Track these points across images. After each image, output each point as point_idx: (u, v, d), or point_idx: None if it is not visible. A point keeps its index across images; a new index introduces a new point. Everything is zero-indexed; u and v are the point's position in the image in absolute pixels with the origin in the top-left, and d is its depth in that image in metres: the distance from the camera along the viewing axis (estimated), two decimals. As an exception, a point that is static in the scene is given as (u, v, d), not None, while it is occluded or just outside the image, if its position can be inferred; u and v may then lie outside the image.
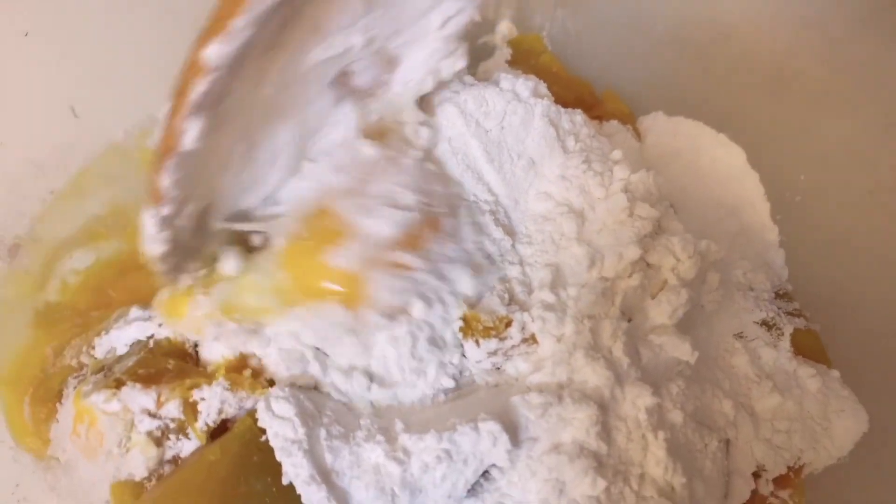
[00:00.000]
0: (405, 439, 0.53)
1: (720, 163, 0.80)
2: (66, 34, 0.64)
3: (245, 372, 0.56)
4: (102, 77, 0.69)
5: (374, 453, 0.52)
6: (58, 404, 0.61)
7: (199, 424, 0.54)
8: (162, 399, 0.54)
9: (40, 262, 0.66)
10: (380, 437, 0.53)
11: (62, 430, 0.60)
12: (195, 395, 0.54)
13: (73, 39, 0.64)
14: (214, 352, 0.57)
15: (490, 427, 0.52)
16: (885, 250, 0.71)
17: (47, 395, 0.62)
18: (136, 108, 0.70)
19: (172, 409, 0.54)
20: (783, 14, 0.82)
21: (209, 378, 0.55)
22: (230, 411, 0.55)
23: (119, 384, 0.55)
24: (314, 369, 0.56)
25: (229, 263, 0.57)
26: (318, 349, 0.57)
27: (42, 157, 0.66)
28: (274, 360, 0.56)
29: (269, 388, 0.54)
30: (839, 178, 0.77)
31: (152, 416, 0.54)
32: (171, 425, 0.54)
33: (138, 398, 0.54)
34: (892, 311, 0.69)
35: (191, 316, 0.57)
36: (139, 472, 0.55)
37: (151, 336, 0.59)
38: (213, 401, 0.54)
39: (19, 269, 0.65)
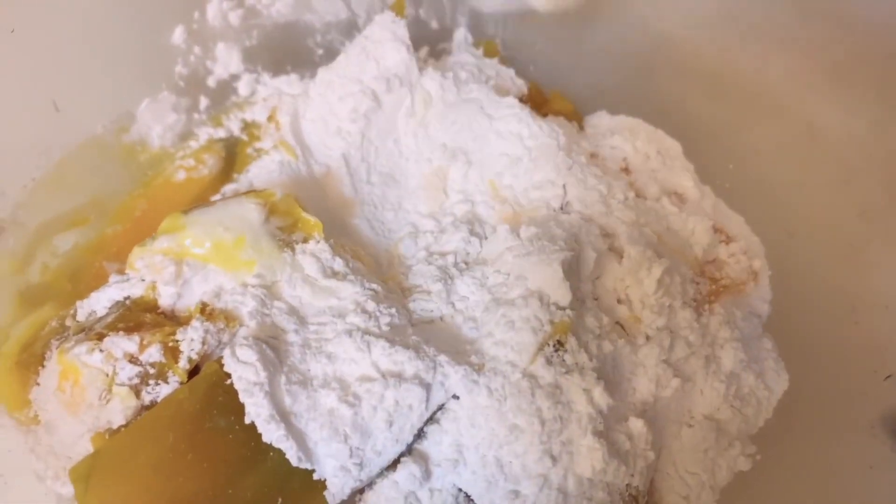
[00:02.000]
0: (356, 386, 0.57)
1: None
2: (50, 32, 0.68)
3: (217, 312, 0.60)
4: (82, 74, 0.73)
5: (328, 398, 0.56)
6: (39, 368, 0.64)
7: (182, 364, 0.58)
8: (144, 343, 0.57)
9: (23, 245, 0.69)
10: (334, 384, 0.57)
11: (44, 390, 0.62)
12: (178, 335, 0.58)
13: (56, 37, 0.69)
14: (187, 299, 0.62)
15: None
16: (800, 227, 0.78)
17: (30, 359, 0.64)
18: (114, 103, 0.76)
19: (154, 352, 0.57)
20: (721, 26, 0.89)
21: (186, 322, 0.60)
22: (212, 344, 0.58)
23: (100, 337, 0.58)
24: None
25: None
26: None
27: (25, 146, 0.69)
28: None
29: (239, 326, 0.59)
30: (764, 169, 0.84)
31: (133, 361, 0.57)
32: (151, 371, 0.57)
33: (121, 343, 0.57)
34: (804, 282, 0.76)
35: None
36: (117, 421, 0.58)
37: (128, 297, 0.62)
38: (196, 337, 0.58)
39: (2, 250, 0.68)
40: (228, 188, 0.77)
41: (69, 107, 0.72)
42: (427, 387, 0.58)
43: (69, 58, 0.71)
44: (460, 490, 0.58)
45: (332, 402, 0.56)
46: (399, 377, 0.58)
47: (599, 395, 0.59)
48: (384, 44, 0.79)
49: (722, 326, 0.71)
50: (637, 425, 0.61)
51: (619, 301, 0.69)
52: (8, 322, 0.67)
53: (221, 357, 0.57)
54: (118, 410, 0.58)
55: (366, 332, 0.60)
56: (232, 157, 0.82)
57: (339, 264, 0.67)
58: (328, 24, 0.90)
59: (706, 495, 0.66)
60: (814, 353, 0.76)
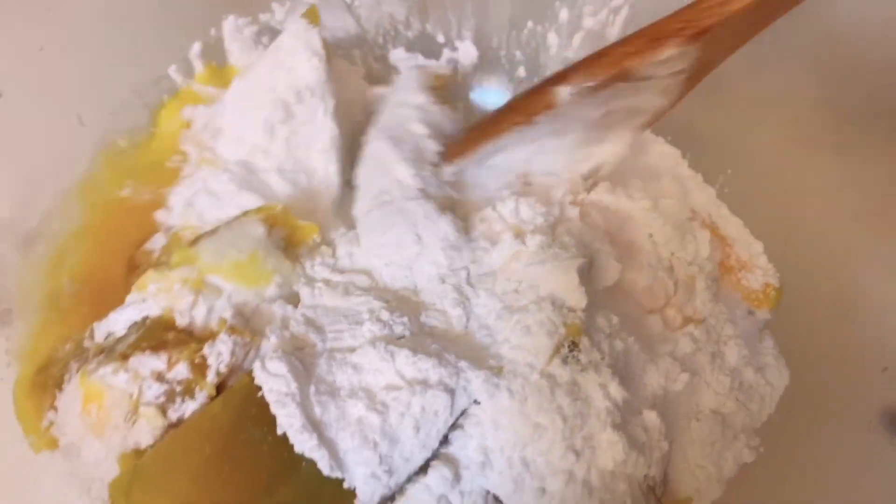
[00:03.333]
0: (383, 394, 0.59)
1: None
2: (76, 50, 0.71)
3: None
4: (106, 89, 0.76)
5: (356, 407, 0.58)
6: (57, 392, 0.64)
7: (210, 378, 0.59)
8: (172, 360, 0.58)
9: (51, 255, 0.71)
10: (361, 394, 0.59)
11: (65, 414, 0.62)
12: (206, 350, 0.59)
13: (81, 54, 0.72)
14: (207, 318, 0.63)
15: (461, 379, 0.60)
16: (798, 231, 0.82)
17: (48, 381, 0.65)
18: (137, 117, 0.78)
19: (182, 369, 0.58)
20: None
21: (212, 338, 0.61)
22: (239, 357, 0.60)
23: (125, 357, 0.58)
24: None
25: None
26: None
27: (52, 158, 0.72)
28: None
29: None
30: (759, 173, 0.87)
31: (160, 380, 0.58)
32: (178, 388, 0.58)
33: (149, 363, 0.58)
34: (801, 283, 0.79)
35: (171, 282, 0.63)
36: (146, 441, 0.58)
37: (147, 317, 0.62)
38: (224, 350, 0.59)
39: (33, 259, 0.70)
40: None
41: (93, 121, 0.75)
42: (451, 392, 0.60)
43: (92, 73, 0.74)
44: (488, 492, 0.59)
45: (361, 410, 0.57)
46: (424, 384, 0.59)
47: (615, 389, 0.61)
48: (297, 54, 0.75)
49: (725, 324, 0.74)
50: (651, 417, 0.63)
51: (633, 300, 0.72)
52: (35, 332, 0.69)
53: (251, 371, 0.58)
54: (146, 431, 0.58)
55: (388, 341, 0.61)
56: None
57: (345, 263, 0.69)
58: (339, 39, 0.92)
59: (714, 487, 0.69)
60: (812, 351, 0.78)
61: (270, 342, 0.61)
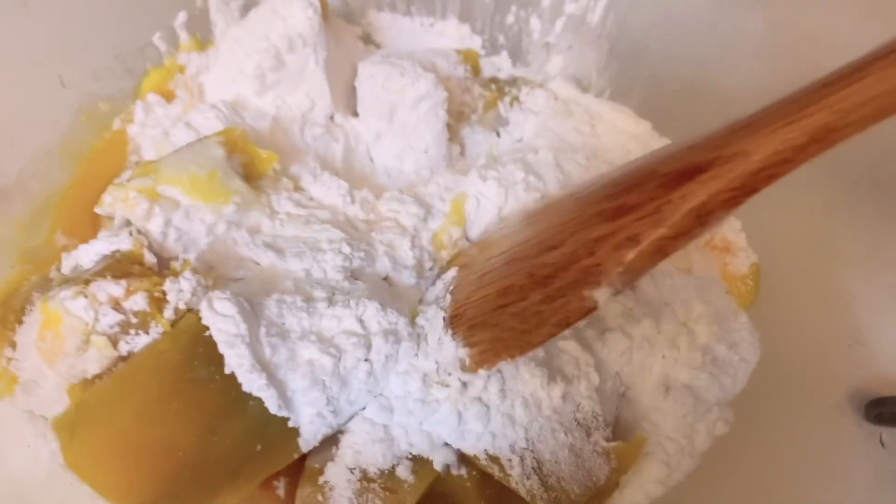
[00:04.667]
0: (341, 339, 0.59)
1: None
2: (60, 11, 0.72)
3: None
4: (90, 53, 0.77)
5: (307, 350, 0.58)
6: (17, 325, 0.63)
7: (167, 314, 0.58)
8: (131, 289, 0.57)
9: (29, 213, 0.71)
10: (313, 337, 0.59)
11: (23, 347, 0.62)
12: (167, 284, 0.59)
13: (66, 13, 0.72)
14: (173, 245, 0.65)
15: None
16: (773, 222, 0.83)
17: (8, 315, 0.64)
18: (121, 82, 0.80)
19: (139, 300, 0.58)
20: (699, 33, 0.94)
21: (175, 274, 0.61)
22: (200, 297, 0.59)
23: (86, 283, 0.58)
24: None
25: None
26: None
27: (31, 117, 0.72)
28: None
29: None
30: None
31: (117, 308, 0.57)
32: (134, 320, 0.58)
33: (108, 287, 0.57)
34: (776, 270, 0.80)
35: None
36: (92, 370, 0.58)
37: (117, 250, 0.62)
38: (186, 288, 0.59)
39: (10, 216, 0.70)
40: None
41: (75, 83, 0.75)
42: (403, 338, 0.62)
43: (75, 35, 0.75)
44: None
45: (313, 353, 0.58)
46: (392, 333, 0.61)
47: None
48: (292, 3, 0.77)
49: (697, 303, 0.75)
50: (571, 346, 0.65)
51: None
52: (12, 281, 0.68)
53: (198, 310, 0.57)
54: (94, 360, 0.58)
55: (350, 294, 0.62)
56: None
57: (304, 197, 0.71)
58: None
59: (686, 461, 0.68)
60: (786, 334, 0.79)
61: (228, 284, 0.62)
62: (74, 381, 0.59)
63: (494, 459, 0.59)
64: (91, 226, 0.72)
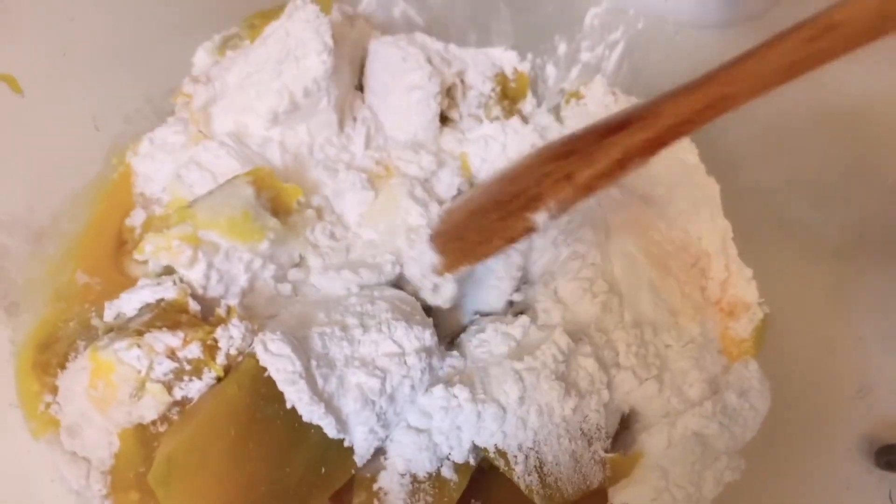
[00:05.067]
0: (383, 361, 0.64)
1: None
2: (95, 57, 0.75)
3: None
4: (121, 96, 0.80)
5: (354, 375, 0.63)
6: (59, 371, 0.65)
7: (220, 360, 0.62)
8: (187, 339, 0.61)
9: (60, 252, 0.73)
10: (357, 363, 0.64)
11: (68, 392, 0.64)
12: (218, 332, 0.63)
13: (100, 62, 0.75)
14: (216, 289, 0.67)
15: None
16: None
17: (51, 360, 0.66)
18: (150, 123, 0.82)
19: (195, 349, 0.61)
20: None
21: (224, 322, 0.64)
22: (248, 341, 0.63)
23: (139, 334, 0.61)
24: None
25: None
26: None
27: (66, 160, 0.75)
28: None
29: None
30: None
31: (172, 357, 0.61)
32: (188, 367, 0.61)
33: (165, 339, 0.61)
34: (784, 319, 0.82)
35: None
36: (149, 416, 0.61)
37: (162, 299, 0.65)
38: (236, 335, 0.63)
39: (42, 255, 0.72)
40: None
41: (107, 126, 0.78)
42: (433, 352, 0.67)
43: (110, 81, 0.77)
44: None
45: (360, 377, 0.62)
46: (425, 351, 0.66)
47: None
48: (306, 45, 0.75)
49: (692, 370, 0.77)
50: (588, 363, 0.70)
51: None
52: (40, 325, 0.70)
53: (254, 353, 0.60)
54: (150, 406, 0.61)
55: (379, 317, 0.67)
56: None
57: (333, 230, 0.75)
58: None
59: (694, 508, 0.71)
60: (795, 380, 0.81)
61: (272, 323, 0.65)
62: (128, 427, 0.62)
63: (502, 454, 0.66)
64: (111, 263, 0.75)
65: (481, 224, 0.66)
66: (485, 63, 0.91)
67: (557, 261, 0.80)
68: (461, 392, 0.65)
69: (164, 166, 0.77)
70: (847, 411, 0.80)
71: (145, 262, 0.68)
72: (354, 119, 0.83)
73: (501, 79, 0.92)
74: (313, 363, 0.61)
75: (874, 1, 0.43)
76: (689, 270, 0.83)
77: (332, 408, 0.61)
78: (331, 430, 0.60)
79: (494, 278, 0.78)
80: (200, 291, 0.67)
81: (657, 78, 0.95)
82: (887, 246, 0.89)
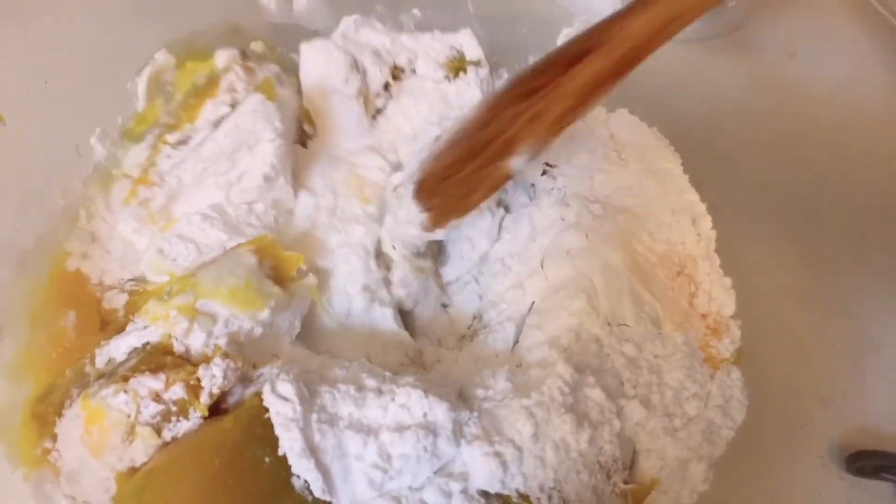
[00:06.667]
0: (386, 435, 0.61)
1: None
2: (76, 85, 0.76)
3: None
4: (102, 124, 0.81)
5: (353, 442, 0.60)
6: (56, 418, 0.66)
7: (203, 399, 0.62)
8: (170, 381, 0.61)
9: (42, 277, 0.74)
10: (360, 429, 0.61)
11: (65, 440, 0.65)
12: (200, 371, 0.62)
13: (81, 90, 0.77)
14: (203, 344, 0.66)
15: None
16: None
17: (48, 410, 0.67)
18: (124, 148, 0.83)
19: (178, 390, 0.61)
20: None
21: (206, 361, 0.64)
22: (231, 380, 0.63)
23: (125, 379, 0.61)
24: None
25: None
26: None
27: (49, 186, 0.77)
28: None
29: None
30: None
31: (157, 400, 0.61)
32: (174, 408, 0.61)
33: (147, 383, 0.61)
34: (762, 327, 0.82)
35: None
36: (140, 459, 0.61)
37: (147, 342, 0.65)
38: (218, 374, 0.62)
39: (25, 279, 0.73)
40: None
41: (88, 152, 0.80)
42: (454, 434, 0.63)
43: (90, 108, 0.79)
44: None
45: (358, 447, 0.60)
46: (427, 428, 0.62)
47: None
48: (258, 133, 0.76)
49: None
50: (595, 393, 0.68)
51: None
52: (24, 350, 0.71)
53: (261, 392, 0.61)
54: (140, 449, 0.61)
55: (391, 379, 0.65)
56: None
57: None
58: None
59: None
60: (766, 386, 0.81)
61: (280, 364, 0.66)
62: (122, 470, 0.62)
63: (524, 497, 0.62)
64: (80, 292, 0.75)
65: (460, 177, 0.66)
66: (440, 49, 0.90)
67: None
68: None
69: (126, 254, 0.77)
70: (818, 418, 0.82)
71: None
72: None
73: (456, 64, 0.91)
74: (314, 416, 0.60)
75: None
76: (675, 279, 0.83)
77: (321, 465, 0.59)
78: (316, 488, 0.58)
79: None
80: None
81: (637, 92, 0.96)
82: (859, 253, 0.90)
